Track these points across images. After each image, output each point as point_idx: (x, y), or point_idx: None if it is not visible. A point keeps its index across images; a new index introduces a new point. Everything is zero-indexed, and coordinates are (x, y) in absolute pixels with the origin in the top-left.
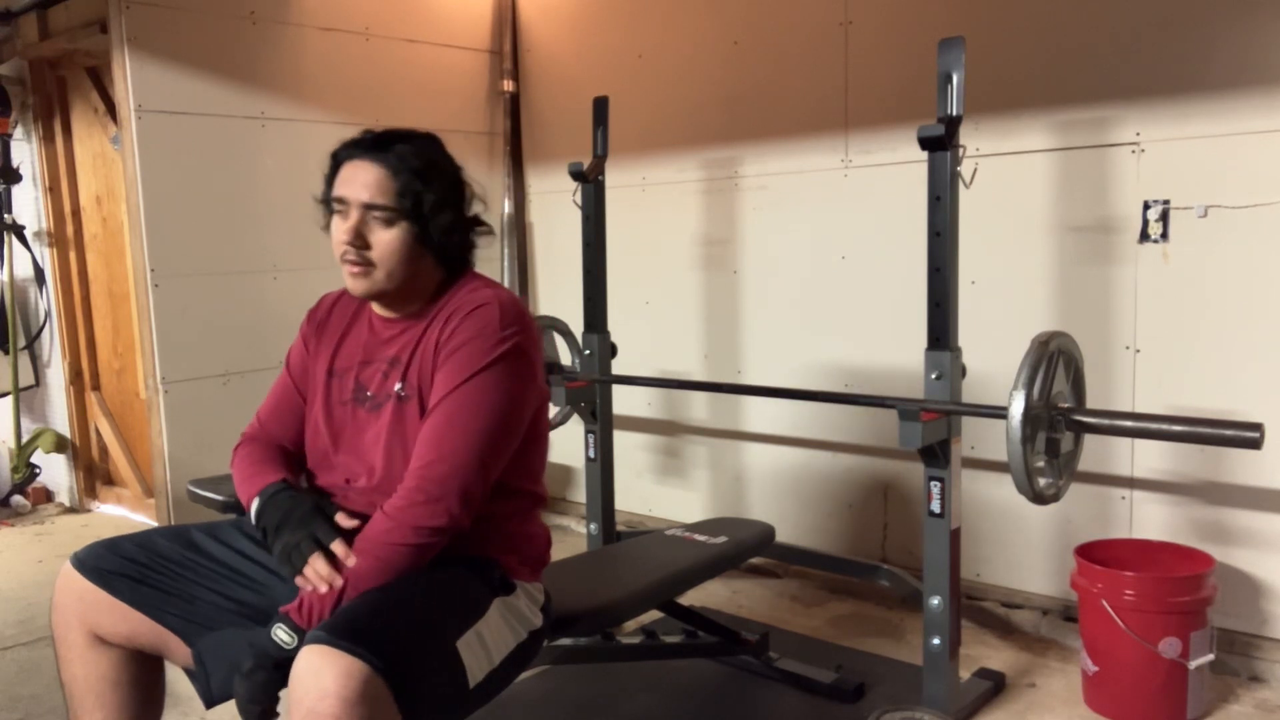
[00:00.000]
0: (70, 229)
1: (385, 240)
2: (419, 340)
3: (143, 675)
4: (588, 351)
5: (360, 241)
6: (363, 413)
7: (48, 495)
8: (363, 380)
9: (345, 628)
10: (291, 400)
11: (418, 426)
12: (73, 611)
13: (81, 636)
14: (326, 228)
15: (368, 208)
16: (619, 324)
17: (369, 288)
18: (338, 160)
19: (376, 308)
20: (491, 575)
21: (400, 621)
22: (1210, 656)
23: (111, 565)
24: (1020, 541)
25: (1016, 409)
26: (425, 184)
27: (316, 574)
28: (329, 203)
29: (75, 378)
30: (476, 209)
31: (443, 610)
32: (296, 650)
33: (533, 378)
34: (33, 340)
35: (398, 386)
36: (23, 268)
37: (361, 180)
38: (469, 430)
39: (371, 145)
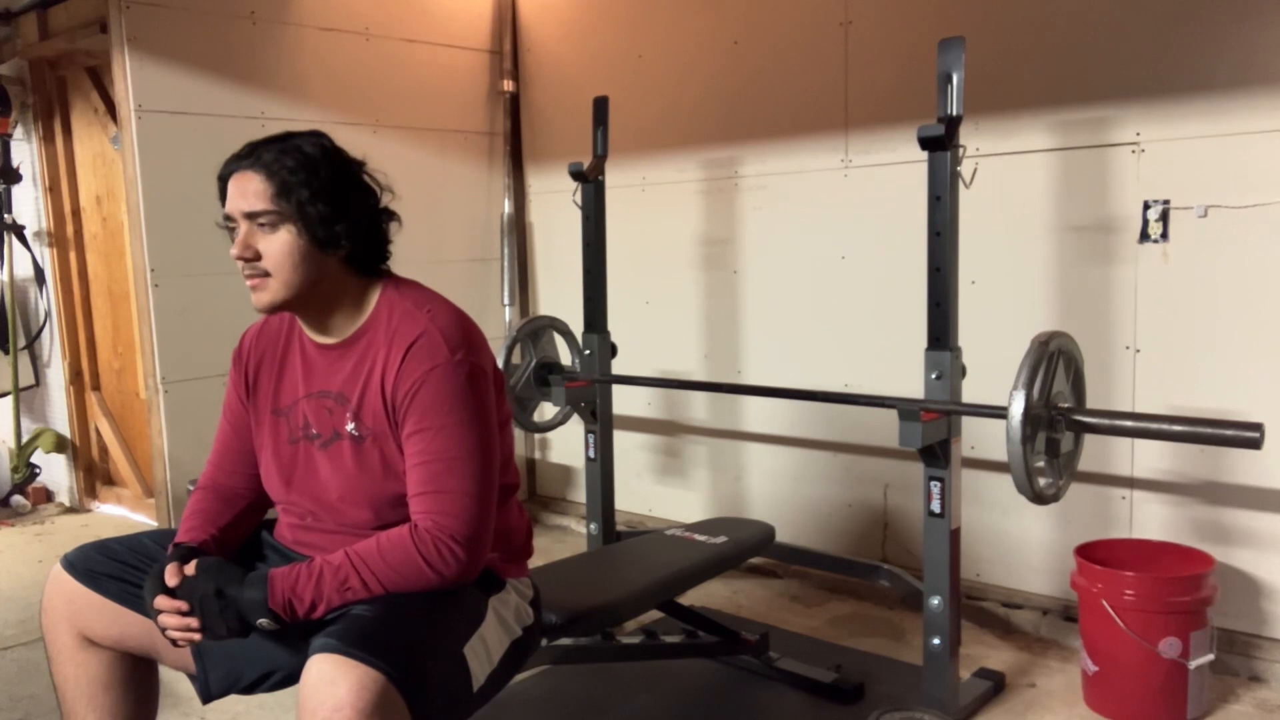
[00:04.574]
0: (70, 229)
1: (274, 246)
2: (364, 373)
3: (135, 676)
4: (588, 351)
5: (251, 253)
6: (313, 450)
7: (48, 495)
8: (308, 415)
9: (357, 636)
10: (236, 449)
11: (378, 468)
12: (62, 613)
13: (71, 639)
14: None
15: (250, 217)
16: (619, 324)
17: (269, 299)
18: (223, 178)
19: (307, 330)
20: (482, 576)
21: (411, 629)
22: (1210, 656)
23: (101, 567)
24: (1020, 541)
25: (1016, 409)
26: (299, 178)
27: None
28: (225, 224)
29: (75, 378)
30: (385, 200)
31: (448, 617)
32: (277, 631)
33: (490, 388)
34: (33, 340)
35: (350, 426)
36: (23, 268)
37: (241, 191)
38: (463, 475)
39: (248, 153)
